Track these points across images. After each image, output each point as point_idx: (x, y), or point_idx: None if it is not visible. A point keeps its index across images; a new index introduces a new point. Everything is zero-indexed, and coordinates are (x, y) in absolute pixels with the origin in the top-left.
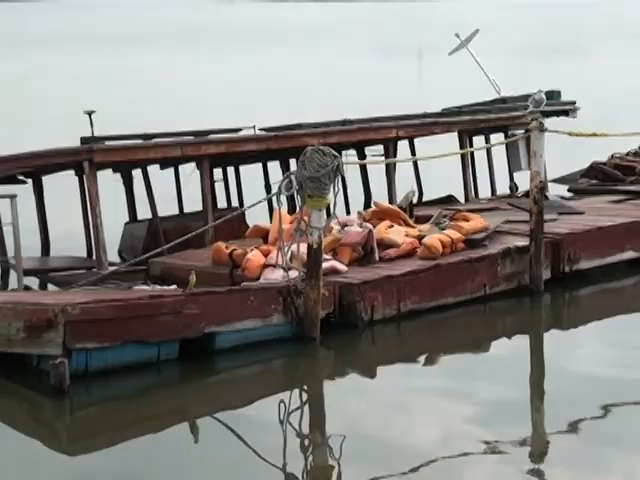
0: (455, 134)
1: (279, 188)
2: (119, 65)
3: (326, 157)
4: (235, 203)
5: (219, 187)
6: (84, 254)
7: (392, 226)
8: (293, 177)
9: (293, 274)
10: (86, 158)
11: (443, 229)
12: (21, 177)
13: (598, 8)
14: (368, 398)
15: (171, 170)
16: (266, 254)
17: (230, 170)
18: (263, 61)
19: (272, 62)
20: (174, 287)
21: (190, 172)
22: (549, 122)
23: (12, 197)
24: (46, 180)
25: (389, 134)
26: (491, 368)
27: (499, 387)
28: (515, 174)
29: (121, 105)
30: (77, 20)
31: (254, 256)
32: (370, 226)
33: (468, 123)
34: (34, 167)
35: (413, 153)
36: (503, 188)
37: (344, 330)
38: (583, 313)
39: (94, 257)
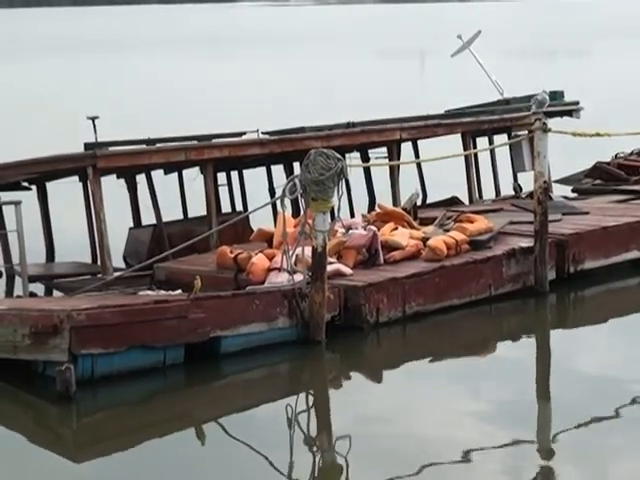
0: (458, 135)
1: (283, 192)
2: (122, 71)
3: (330, 160)
4: (239, 207)
5: (223, 191)
6: (89, 260)
7: (396, 228)
8: (297, 180)
9: (298, 277)
10: (90, 164)
11: (447, 231)
12: (25, 184)
13: (600, 7)
14: (374, 400)
15: (175, 175)
16: (271, 258)
17: (234, 174)
18: (265, 64)
19: (274, 65)
20: (179, 292)
21: (194, 177)
22: (552, 122)
23: (16, 203)
24: (50, 186)
25: (392, 136)
26: (497, 369)
27: (505, 388)
28: (519, 175)
29: (124, 110)
30: (78, 27)
31: (259, 260)
32: (374, 228)
33: (471, 124)
34: (38, 173)
35: (417, 155)
36: (507, 189)
37: (349, 333)
38: (588, 313)
39: (99, 263)
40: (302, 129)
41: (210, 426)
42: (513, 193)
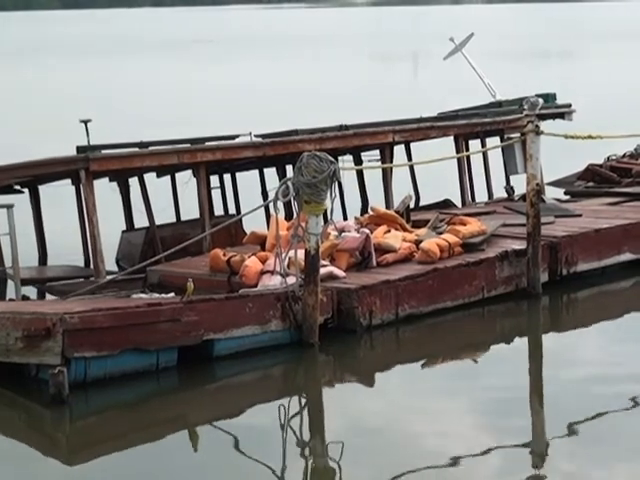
0: (451, 138)
1: (276, 194)
2: (114, 74)
3: (322, 163)
4: (232, 210)
5: (216, 194)
6: (82, 263)
7: (389, 231)
8: (290, 183)
9: (291, 280)
10: (82, 167)
11: (440, 233)
12: (17, 187)
13: (593, 10)
14: (367, 403)
15: (168, 178)
16: (264, 260)
17: (227, 177)
18: (259, 67)
19: (267, 68)
20: (172, 295)
21: (187, 180)
22: (545, 125)
23: (9, 207)
24: (43, 189)
25: (385, 139)
26: (490, 372)
27: (498, 390)
28: (511, 177)
29: (117, 113)
30: (69, 30)
31: (252, 263)
32: (367, 231)
33: (464, 127)
34: (30, 177)
35: (409, 158)
36: (500, 192)
37: (343, 335)
38: (581, 315)
39: (92, 266)
40: (295, 132)
41: (203, 429)
42: (506, 196)
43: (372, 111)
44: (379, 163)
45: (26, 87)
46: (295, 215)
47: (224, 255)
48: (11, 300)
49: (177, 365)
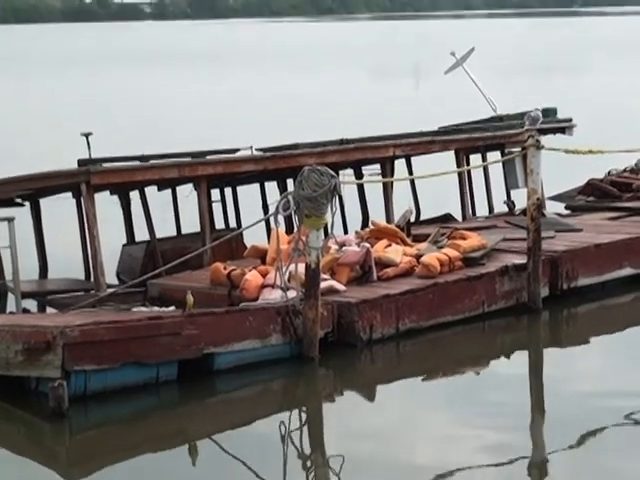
0: (452, 152)
1: (277, 208)
2: (116, 87)
3: (323, 177)
4: (233, 224)
5: (217, 208)
6: (82, 276)
7: (390, 245)
8: (290, 197)
9: (291, 294)
10: (83, 180)
11: (441, 247)
12: (19, 200)
13: (596, 25)
14: (367, 418)
15: (169, 191)
16: (264, 274)
17: (228, 191)
18: (260, 81)
19: (269, 82)
20: (172, 308)
21: (188, 193)
22: (545, 140)
23: (10, 220)
24: (44, 202)
25: (386, 153)
26: (490, 386)
27: (498, 405)
28: (512, 192)
29: (118, 127)
30: (71, 43)
31: (252, 276)
32: (368, 245)
33: (465, 141)
34: (31, 189)
35: (410, 172)
36: (500, 206)
37: (343, 350)
38: (581, 330)
39: (92, 279)
40: (296, 146)
41: (203, 443)
42: (506, 210)
43: (373, 124)
44: (380, 177)
45: (30, 99)
46: (296, 229)
47: (225, 269)
48: (11, 313)
49: (177, 379)
